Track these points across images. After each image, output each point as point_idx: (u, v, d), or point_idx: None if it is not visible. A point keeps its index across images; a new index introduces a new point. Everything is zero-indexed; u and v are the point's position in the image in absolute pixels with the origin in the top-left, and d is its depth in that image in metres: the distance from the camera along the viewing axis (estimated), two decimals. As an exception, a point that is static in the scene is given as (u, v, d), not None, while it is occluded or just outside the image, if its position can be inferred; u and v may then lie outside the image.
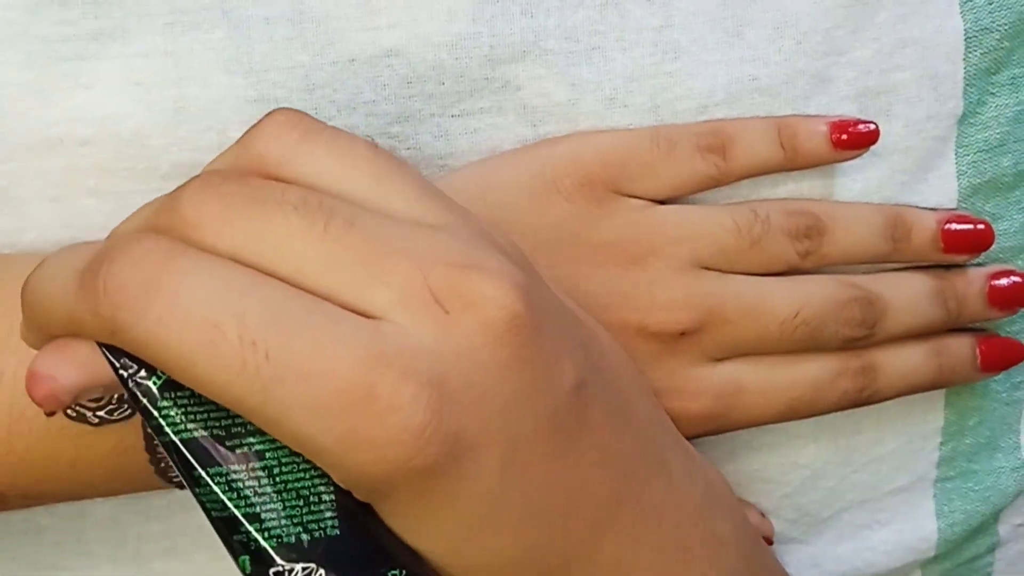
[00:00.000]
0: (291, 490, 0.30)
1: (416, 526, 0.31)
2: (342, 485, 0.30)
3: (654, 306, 0.39)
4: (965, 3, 0.41)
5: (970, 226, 0.41)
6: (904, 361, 0.41)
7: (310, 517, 0.30)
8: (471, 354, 0.30)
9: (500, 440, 0.30)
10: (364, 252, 0.30)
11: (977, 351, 0.42)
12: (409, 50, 0.38)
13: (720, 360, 0.40)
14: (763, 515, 0.44)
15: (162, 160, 0.39)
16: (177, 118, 0.39)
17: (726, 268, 0.40)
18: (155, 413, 0.30)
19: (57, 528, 0.43)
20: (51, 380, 0.30)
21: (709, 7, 0.39)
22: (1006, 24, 0.41)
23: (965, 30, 0.41)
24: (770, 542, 0.44)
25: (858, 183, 0.41)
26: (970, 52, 0.41)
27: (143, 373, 0.30)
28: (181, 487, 0.39)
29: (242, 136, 0.32)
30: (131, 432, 0.38)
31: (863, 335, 0.40)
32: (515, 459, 0.31)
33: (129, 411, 0.37)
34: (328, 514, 0.30)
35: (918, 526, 0.45)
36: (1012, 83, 0.42)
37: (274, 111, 0.32)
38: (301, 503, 0.30)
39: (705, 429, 0.40)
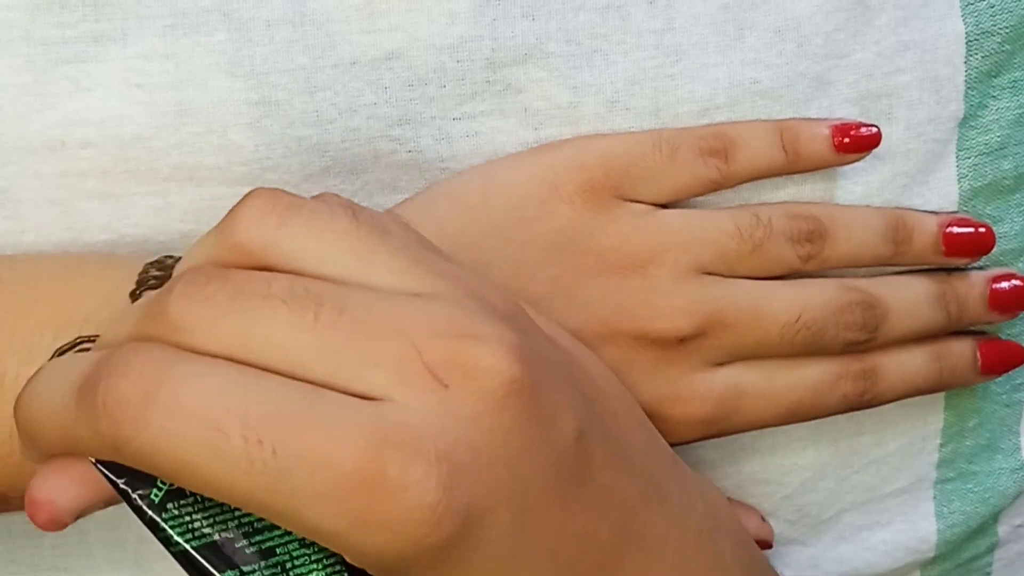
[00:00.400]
0: None
1: None
2: (356, 565, 0.30)
3: (654, 313, 0.39)
4: (966, 6, 0.41)
5: (971, 229, 0.41)
6: (905, 364, 0.41)
7: None
8: (474, 423, 0.30)
9: (509, 503, 0.31)
10: (357, 335, 0.30)
11: (978, 354, 0.42)
12: (410, 53, 0.38)
13: (721, 364, 0.40)
14: (763, 519, 0.44)
15: (163, 163, 0.39)
16: (178, 121, 0.38)
17: (727, 272, 0.39)
18: (162, 524, 0.30)
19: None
20: (50, 505, 0.31)
21: (710, 10, 0.39)
22: (1007, 27, 0.41)
23: (966, 33, 0.41)
24: (770, 545, 0.44)
25: (859, 186, 0.41)
26: (971, 55, 0.41)
27: (145, 487, 0.30)
28: None
29: (220, 222, 0.32)
30: None
31: (864, 339, 0.40)
32: (525, 518, 0.31)
33: None
34: None
35: (918, 527, 0.45)
36: (1013, 86, 0.42)
37: (250, 193, 0.32)
38: None
39: (706, 433, 0.40)
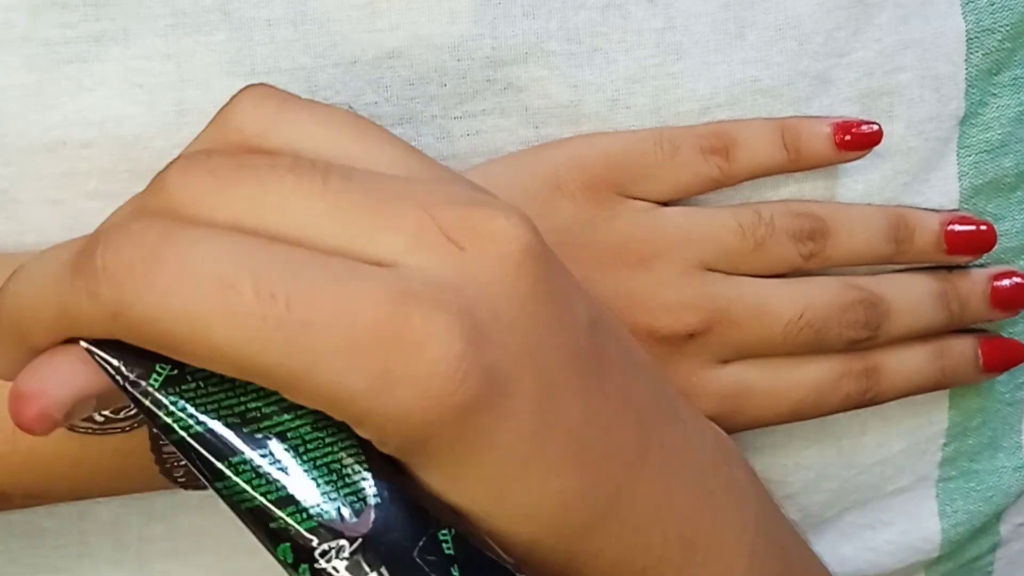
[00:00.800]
0: (321, 466, 0.28)
1: (456, 476, 0.29)
2: (373, 440, 0.29)
3: (662, 308, 0.39)
4: (966, 4, 0.41)
5: (973, 227, 0.41)
6: (907, 362, 0.41)
7: (347, 490, 0.28)
8: (493, 286, 0.29)
9: (533, 374, 0.29)
10: (367, 202, 0.29)
11: (979, 352, 0.42)
12: (411, 52, 0.38)
13: (726, 362, 0.40)
14: None
15: (164, 163, 0.38)
16: (179, 120, 0.38)
17: (730, 270, 0.40)
18: (159, 412, 0.28)
19: (58, 530, 0.43)
20: (40, 396, 0.28)
21: (711, 9, 0.39)
22: (1008, 25, 0.41)
23: (967, 31, 0.41)
24: None
25: (860, 184, 0.41)
26: (972, 53, 0.41)
27: (141, 371, 0.28)
28: (186, 487, 0.39)
29: (217, 113, 0.31)
30: (135, 432, 0.38)
31: (866, 336, 0.40)
32: (549, 395, 0.30)
33: (134, 412, 0.37)
34: (364, 484, 0.28)
35: (921, 526, 0.45)
36: (1014, 84, 0.42)
37: (246, 87, 0.31)
38: (334, 477, 0.28)
39: (710, 431, 0.40)
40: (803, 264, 0.40)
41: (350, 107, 0.38)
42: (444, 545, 0.29)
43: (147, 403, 0.28)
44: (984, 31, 0.41)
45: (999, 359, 0.43)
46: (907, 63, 0.41)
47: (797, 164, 0.40)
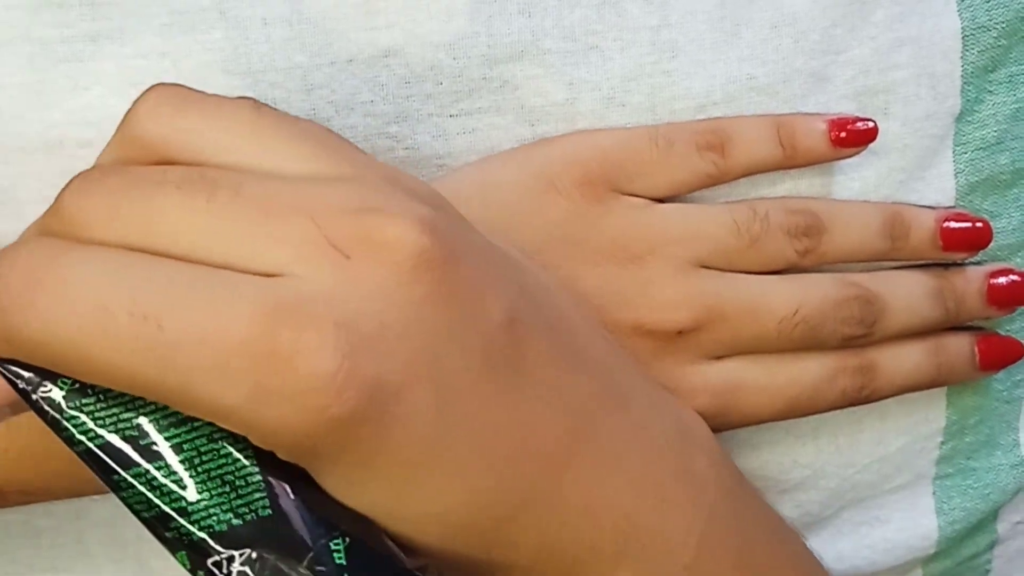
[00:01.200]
0: (215, 478, 0.29)
1: (352, 482, 0.30)
2: (263, 447, 0.29)
3: (652, 305, 0.39)
4: (962, 1, 0.41)
5: (968, 224, 0.41)
6: (903, 360, 0.41)
7: (239, 501, 0.29)
8: (381, 295, 0.29)
9: (428, 380, 0.29)
10: (253, 216, 0.29)
11: (976, 350, 0.42)
12: (407, 50, 0.38)
13: (719, 358, 0.40)
14: None
15: None
16: (175, 119, 0.39)
17: (725, 267, 0.39)
18: (65, 423, 0.29)
19: (56, 529, 0.43)
20: None
21: (707, 6, 0.39)
22: (1003, 22, 0.41)
23: (962, 28, 0.41)
24: None
25: (856, 181, 0.41)
26: (967, 50, 0.41)
27: (46, 385, 0.29)
28: None
29: (121, 121, 0.31)
30: None
31: (862, 333, 0.40)
32: (449, 398, 0.30)
33: None
34: (257, 495, 0.29)
35: (918, 524, 0.45)
36: (1010, 81, 0.42)
37: (149, 88, 0.31)
38: (227, 489, 0.29)
39: (705, 427, 0.40)
40: (799, 261, 0.40)
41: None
42: (335, 555, 0.29)
43: (52, 414, 0.29)
44: (979, 28, 0.41)
45: (996, 357, 0.43)
46: (903, 61, 0.41)
47: (793, 160, 0.40)
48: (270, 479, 0.30)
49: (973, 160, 0.42)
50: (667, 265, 0.39)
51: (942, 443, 0.45)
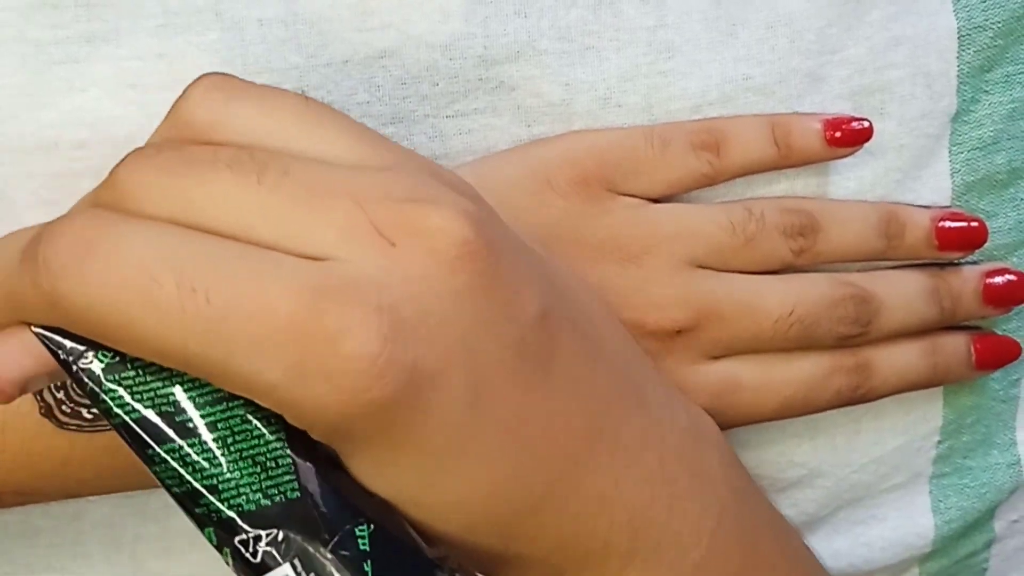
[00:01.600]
0: (247, 458, 0.30)
1: (381, 465, 0.30)
2: (298, 425, 0.30)
3: (651, 304, 0.39)
4: (958, 1, 0.41)
5: (964, 223, 0.41)
6: (898, 359, 0.41)
7: (269, 482, 0.30)
8: (423, 282, 0.29)
9: (464, 369, 0.30)
10: (302, 197, 0.30)
11: (972, 349, 0.42)
12: (403, 51, 0.38)
13: (716, 359, 0.40)
14: None
15: None
16: (171, 120, 0.39)
17: (720, 266, 0.40)
18: (102, 395, 0.30)
19: (53, 530, 0.43)
20: None
21: (702, 6, 0.39)
22: (999, 22, 0.41)
23: (958, 28, 0.41)
24: None
25: (852, 181, 0.41)
26: (963, 50, 0.41)
27: (86, 357, 0.30)
28: None
29: (172, 106, 0.32)
30: None
31: (857, 333, 0.40)
32: (482, 388, 0.30)
33: None
34: (286, 477, 0.30)
35: (914, 522, 0.45)
36: (1006, 80, 0.42)
37: (199, 77, 0.32)
38: (258, 469, 0.30)
39: (702, 427, 0.40)
40: (794, 260, 0.40)
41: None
42: (360, 541, 0.30)
43: (90, 386, 0.30)
44: (976, 28, 0.41)
45: (992, 356, 0.43)
46: (899, 60, 0.41)
47: (788, 160, 0.40)
48: (299, 462, 0.30)
49: (969, 160, 0.42)
50: (665, 264, 0.39)
51: (939, 442, 0.45)
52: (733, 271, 0.39)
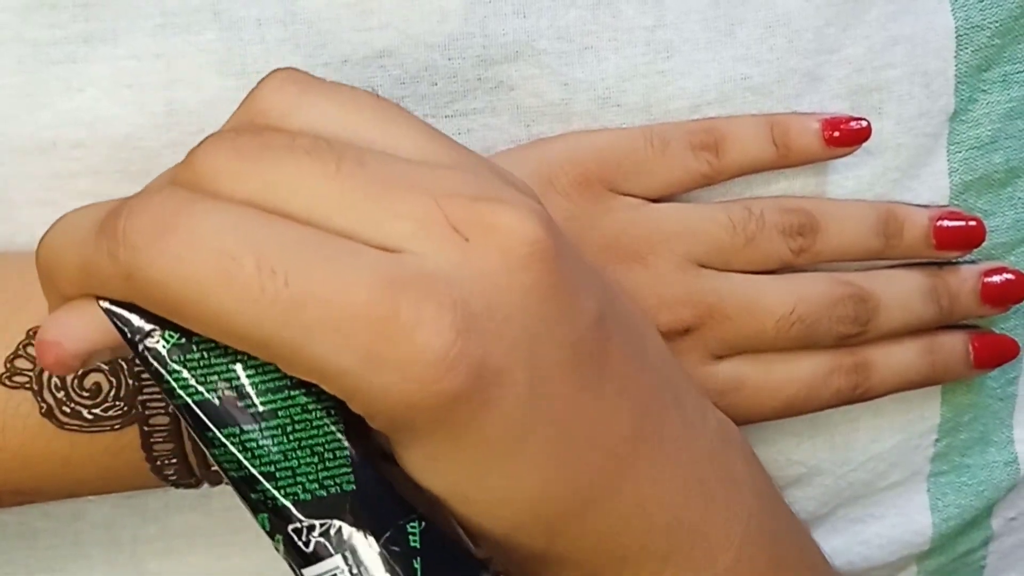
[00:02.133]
0: (305, 447, 0.30)
1: (436, 458, 0.31)
2: (363, 414, 0.30)
3: (661, 304, 0.39)
4: (955, 1, 0.41)
5: (962, 223, 0.41)
6: (897, 358, 0.41)
7: (325, 473, 0.30)
8: (494, 279, 0.30)
9: (525, 367, 0.30)
10: (378, 188, 0.30)
11: (970, 348, 0.43)
12: (401, 51, 0.38)
13: (720, 358, 0.40)
14: None
15: (154, 163, 0.39)
16: (169, 120, 0.38)
17: (721, 266, 0.40)
18: (166, 375, 0.30)
19: (53, 531, 0.43)
20: (57, 346, 0.30)
21: (701, 6, 0.39)
22: (996, 21, 0.41)
23: (956, 27, 0.41)
24: None
25: (850, 180, 0.41)
26: (961, 49, 0.41)
27: (153, 336, 0.30)
28: (177, 485, 0.39)
29: (245, 97, 0.32)
30: (125, 431, 0.38)
31: (856, 332, 0.40)
32: (540, 388, 0.31)
33: (124, 409, 0.37)
34: (343, 469, 0.30)
35: (912, 520, 0.46)
36: (1003, 80, 0.42)
37: (273, 71, 0.32)
38: (316, 459, 0.30)
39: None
40: (793, 260, 0.40)
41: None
42: (411, 537, 0.30)
43: (155, 366, 0.30)
44: (973, 28, 0.41)
45: (990, 355, 0.43)
46: (896, 60, 0.41)
47: (786, 160, 0.40)
48: (356, 455, 0.30)
49: (967, 159, 0.42)
50: (669, 264, 0.39)
51: (937, 440, 0.45)
52: (734, 271, 0.40)
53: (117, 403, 0.37)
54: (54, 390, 0.37)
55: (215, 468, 0.37)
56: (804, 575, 0.37)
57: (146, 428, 0.37)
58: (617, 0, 0.39)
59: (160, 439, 0.37)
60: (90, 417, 0.37)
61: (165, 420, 0.37)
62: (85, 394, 0.37)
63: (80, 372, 0.37)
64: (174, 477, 0.38)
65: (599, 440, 0.32)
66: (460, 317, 0.29)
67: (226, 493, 0.42)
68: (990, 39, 0.41)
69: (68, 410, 0.37)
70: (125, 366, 0.37)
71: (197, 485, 0.39)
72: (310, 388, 0.30)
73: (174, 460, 0.38)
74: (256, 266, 0.29)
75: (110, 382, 0.37)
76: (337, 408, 0.31)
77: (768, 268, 0.40)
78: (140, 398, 0.37)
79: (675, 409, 0.34)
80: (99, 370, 0.37)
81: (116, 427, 0.37)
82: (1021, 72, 0.42)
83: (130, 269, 0.29)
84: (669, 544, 0.33)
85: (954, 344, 0.42)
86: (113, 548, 0.43)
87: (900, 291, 0.41)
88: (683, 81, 0.40)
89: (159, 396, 0.37)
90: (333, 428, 0.31)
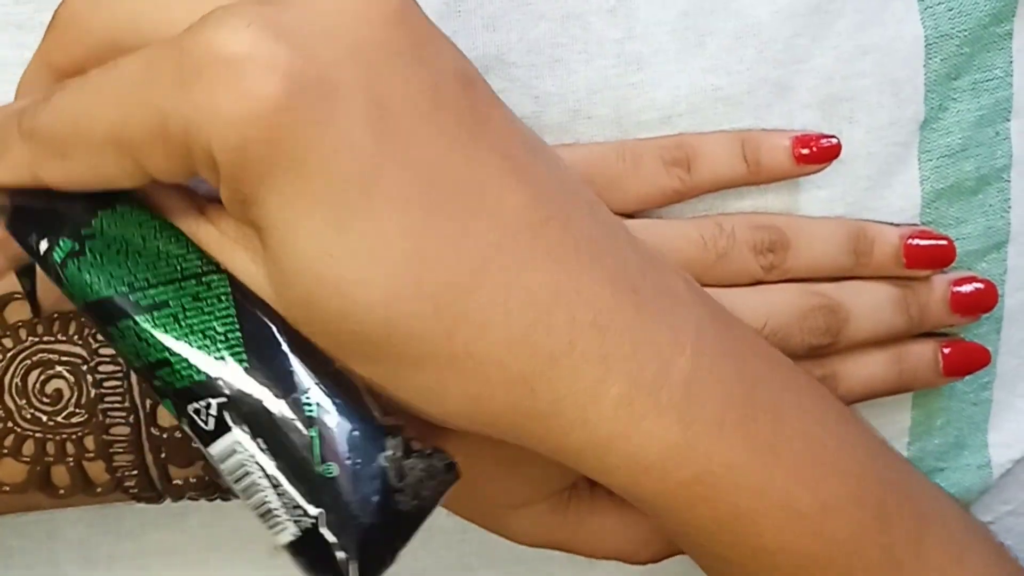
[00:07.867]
0: (197, 332, 0.32)
1: (294, 206, 0.30)
2: (203, 166, 0.30)
3: None
4: (924, 9, 0.41)
5: (932, 242, 0.41)
6: (865, 368, 0.42)
7: (218, 355, 0.32)
8: (343, 3, 0.30)
9: (363, 88, 0.30)
10: None
11: (939, 356, 0.43)
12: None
13: None
14: None
15: None
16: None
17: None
18: (65, 279, 0.32)
19: (28, 550, 0.43)
20: None
21: (670, 18, 0.39)
22: (965, 30, 0.41)
23: (925, 36, 0.41)
24: None
25: (823, 190, 0.41)
26: (930, 58, 0.41)
27: (48, 247, 0.32)
28: (138, 500, 0.39)
29: None
30: (89, 442, 0.38)
31: (827, 343, 0.41)
32: (388, 121, 0.30)
33: (84, 417, 0.37)
34: (235, 350, 0.32)
35: (887, 524, 0.46)
36: (973, 88, 0.42)
37: None
38: (208, 343, 0.32)
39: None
40: (764, 276, 0.40)
41: None
42: (306, 408, 0.32)
43: (56, 270, 0.33)
44: (942, 36, 0.41)
45: (959, 363, 0.43)
46: (866, 69, 0.41)
47: (757, 177, 0.40)
48: (248, 338, 0.32)
49: (938, 167, 0.42)
50: None
51: (909, 444, 0.45)
52: (705, 286, 0.40)
53: (78, 411, 0.37)
54: (15, 395, 0.37)
55: (176, 482, 0.38)
56: (779, 382, 0.35)
57: (106, 437, 0.37)
58: (586, 13, 0.39)
59: (120, 449, 0.37)
60: (50, 424, 0.37)
61: (126, 431, 0.37)
62: (46, 400, 0.37)
63: (42, 378, 0.37)
64: (135, 490, 0.38)
65: (479, 205, 0.31)
66: (265, 23, 0.29)
67: (202, 510, 0.42)
68: (959, 47, 0.41)
69: (28, 416, 0.37)
70: (88, 374, 0.37)
71: (158, 500, 0.38)
72: (200, 278, 0.32)
73: (134, 472, 0.38)
74: None
75: (71, 390, 0.37)
76: (229, 293, 0.32)
77: (739, 284, 0.40)
78: (100, 406, 0.37)
79: (584, 210, 0.33)
80: (61, 377, 0.37)
81: (76, 435, 0.37)
82: (990, 80, 0.42)
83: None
84: (603, 343, 0.32)
85: (923, 353, 0.42)
86: (88, 567, 0.43)
87: (870, 302, 0.41)
88: (653, 92, 0.39)
89: (121, 406, 0.37)
90: (226, 312, 0.32)
